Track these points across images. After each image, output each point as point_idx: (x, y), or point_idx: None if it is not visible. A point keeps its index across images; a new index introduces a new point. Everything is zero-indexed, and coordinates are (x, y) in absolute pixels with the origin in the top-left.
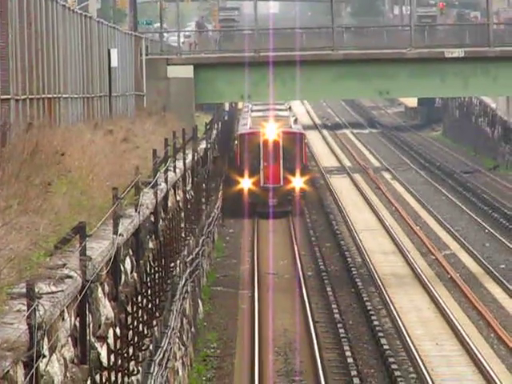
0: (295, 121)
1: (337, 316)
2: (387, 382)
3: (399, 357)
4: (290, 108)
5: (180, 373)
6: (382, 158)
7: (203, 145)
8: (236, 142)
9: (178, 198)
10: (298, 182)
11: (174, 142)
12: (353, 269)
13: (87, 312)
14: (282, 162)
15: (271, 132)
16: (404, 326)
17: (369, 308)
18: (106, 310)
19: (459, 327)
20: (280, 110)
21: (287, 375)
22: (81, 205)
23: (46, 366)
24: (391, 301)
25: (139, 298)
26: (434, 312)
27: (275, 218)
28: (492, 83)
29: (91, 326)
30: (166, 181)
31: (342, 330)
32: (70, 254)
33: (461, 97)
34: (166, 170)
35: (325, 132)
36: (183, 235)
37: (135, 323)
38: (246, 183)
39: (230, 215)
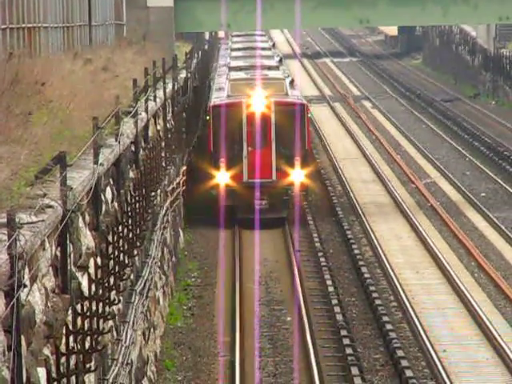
0: (291, 83)
1: (317, 245)
2: (368, 311)
3: (380, 285)
4: (280, 60)
5: (161, 302)
6: (362, 87)
7: (183, 74)
8: (208, 117)
9: (158, 127)
10: (297, 176)
11: (154, 71)
12: (333, 198)
13: (68, 242)
14: (274, 146)
15: (259, 102)
16: (384, 254)
17: (349, 237)
18: (87, 239)
19: (440, 255)
20: (269, 66)
21: (268, 304)
22: (61, 135)
23: (27, 296)
24: (372, 229)
25: (120, 227)
26: (415, 240)
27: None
28: (472, 11)
29: (72, 255)
30: (146, 110)
31: (322, 259)
32: (51, 183)
33: (441, 25)
34: (147, 100)
35: (305, 61)
36: (164, 164)
37: (116, 253)
38: (222, 177)
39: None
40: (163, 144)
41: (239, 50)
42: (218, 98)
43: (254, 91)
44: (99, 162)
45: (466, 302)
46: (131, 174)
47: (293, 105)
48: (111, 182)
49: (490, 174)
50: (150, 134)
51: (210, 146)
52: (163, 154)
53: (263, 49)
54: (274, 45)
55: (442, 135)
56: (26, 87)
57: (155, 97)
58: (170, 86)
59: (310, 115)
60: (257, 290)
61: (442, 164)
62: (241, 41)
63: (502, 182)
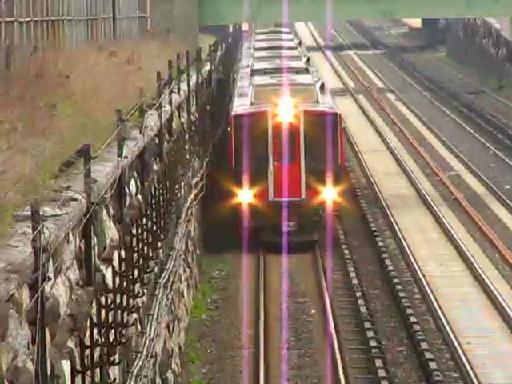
0: (322, 89)
1: (342, 237)
2: (392, 303)
3: (404, 278)
4: (308, 60)
5: (185, 295)
6: (386, 79)
7: (207, 66)
8: (229, 127)
9: (182, 119)
10: (329, 194)
11: (178, 63)
12: (357, 190)
13: (92, 234)
14: (303, 160)
15: (286, 111)
16: (408, 246)
17: (373, 229)
18: (111, 232)
19: (464, 248)
20: (297, 70)
21: (292, 296)
22: (85, 127)
23: (51, 289)
24: (396, 222)
25: (144, 220)
26: (439, 233)
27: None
28: (496, 3)
29: (96, 248)
30: (170, 103)
31: (346, 252)
32: (75, 176)
33: (465, 17)
34: (171, 92)
35: (328, 53)
36: (188, 157)
37: (140, 245)
38: (245, 196)
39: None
40: (187, 136)
41: (263, 49)
42: (240, 106)
43: (280, 99)
44: (123, 155)
45: (490, 295)
46: (155, 167)
47: (324, 114)
48: (135, 175)
49: None
50: (174, 126)
51: (231, 160)
52: (187, 147)
53: (289, 48)
54: (300, 43)
55: (466, 128)
56: (50, 80)
57: (179, 89)
58: (193, 79)
59: (343, 126)
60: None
61: (466, 157)
62: (265, 39)
63: None
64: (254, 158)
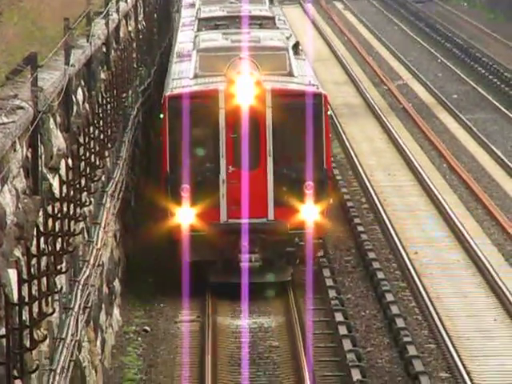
0: (296, 50)
1: None
2: (340, 213)
3: (351, 187)
4: (272, 1)
5: (132, 203)
6: None
7: None
8: (163, 115)
9: (129, 28)
10: (310, 213)
11: None
12: None
13: (39, 143)
14: (271, 164)
15: (247, 90)
16: (356, 156)
17: None
18: (58, 141)
19: (411, 157)
20: (259, 21)
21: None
22: (32, 35)
23: None
24: (343, 131)
25: (91, 128)
26: (387, 142)
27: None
28: None
29: (43, 157)
30: (117, 11)
31: None
32: (22, 85)
33: None
34: (118, 0)
35: None
36: (135, 65)
37: (87, 154)
38: (185, 216)
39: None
40: (134, 45)
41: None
42: (178, 81)
43: (238, 71)
44: (70, 63)
45: (437, 204)
46: (102, 75)
47: (302, 95)
48: (82, 84)
49: (462, 75)
50: (121, 34)
51: (164, 163)
52: (135, 56)
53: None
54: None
55: (414, 37)
56: None
57: None
58: None
59: (329, 112)
60: None
61: (414, 66)
62: None
63: (473, 84)
64: (199, 161)
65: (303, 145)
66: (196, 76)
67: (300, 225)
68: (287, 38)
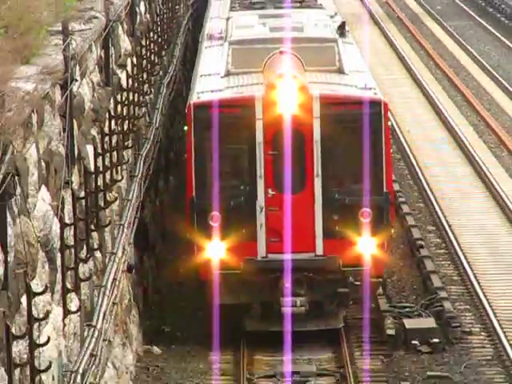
0: (342, 33)
1: None
2: None
3: None
4: None
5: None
6: None
7: None
8: (188, 126)
9: None
10: (367, 246)
11: None
12: None
13: (110, 45)
14: (319, 187)
15: (289, 96)
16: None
17: None
18: (125, 43)
19: (405, 56)
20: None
21: None
22: None
23: (78, 88)
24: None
25: (151, 33)
26: (385, 44)
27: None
28: None
29: (113, 56)
30: None
31: None
32: None
33: None
34: None
35: None
36: None
37: (148, 54)
38: (215, 250)
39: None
40: None
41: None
42: (207, 81)
43: (278, 69)
44: None
45: (425, 92)
46: None
47: (358, 103)
48: None
49: None
50: None
51: (189, 185)
52: None
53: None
54: None
55: None
56: None
57: None
58: None
59: (390, 122)
60: None
61: None
62: None
63: None
64: (232, 184)
65: (358, 163)
66: (228, 73)
67: (355, 260)
68: (331, 17)
